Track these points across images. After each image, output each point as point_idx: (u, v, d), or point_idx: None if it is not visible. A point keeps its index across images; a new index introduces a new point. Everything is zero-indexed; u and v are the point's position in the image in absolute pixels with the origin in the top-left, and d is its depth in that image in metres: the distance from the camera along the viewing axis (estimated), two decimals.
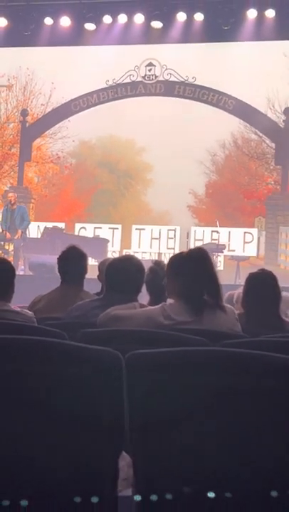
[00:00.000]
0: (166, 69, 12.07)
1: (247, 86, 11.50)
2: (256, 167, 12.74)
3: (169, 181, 12.27)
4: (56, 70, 12.15)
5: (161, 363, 1.55)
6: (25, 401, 1.53)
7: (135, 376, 1.54)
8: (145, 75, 12.16)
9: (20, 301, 3.10)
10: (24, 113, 12.88)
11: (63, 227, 11.64)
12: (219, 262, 10.73)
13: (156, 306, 2.60)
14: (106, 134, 13.27)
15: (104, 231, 12.13)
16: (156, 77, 12.10)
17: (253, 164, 12.73)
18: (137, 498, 1.50)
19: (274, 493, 1.43)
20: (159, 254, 11.55)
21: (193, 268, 2.51)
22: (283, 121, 11.66)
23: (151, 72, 12.13)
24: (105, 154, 13.66)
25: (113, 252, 11.47)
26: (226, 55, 11.58)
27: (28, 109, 13.05)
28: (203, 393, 1.50)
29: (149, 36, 11.46)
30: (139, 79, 12.20)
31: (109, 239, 11.78)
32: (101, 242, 11.00)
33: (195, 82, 11.92)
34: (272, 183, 12.61)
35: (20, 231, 9.80)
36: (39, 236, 11.48)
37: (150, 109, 12.09)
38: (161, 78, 12.10)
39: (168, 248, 11.76)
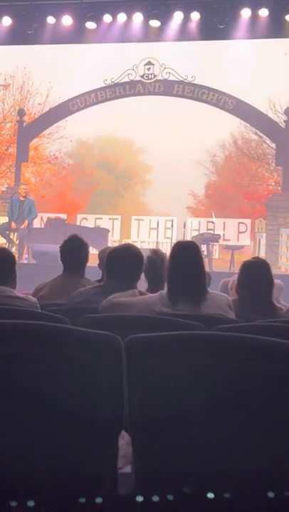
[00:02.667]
0: (165, 68, 12.15)
1: (247, 85, 11.57)
2: (256, 168, 12.83)
3: (168, 182, 12.36)
4: (54, 69, 12.25)
5: (160, 346, 1.60)
6: (24, 385, 1.59)
7: (135, 359, 1.59)
8: (144, 74, 12.25)
9: (24, 288, 3.21)
10: (21, 113, 12.93)
11: (65, 218, 11.80)
12: (215, 251, 11.16)
13: (155, 294, 2.78)
14: (104, 134, 13.36)
15: (104, 221, 12.33)
16: (154, 76, 12.20)
17: (253, 165, 12.82)
18: (139, 498, 1.54)
19: (271, 494, 1.46)
20: (157, 243, 11.73)
21: (180, 258, 2.71)
22: (284, 121, 11.73)
23: (150, 71, 12.22)
24: (103, 155, 13.73)
25: (113, 241, 11.63)
26: (225, 53, 11.68)
27: (25, 108, 13.10)
28: (200, 376, 1.56)
29: (147, 35, 11.58)
30: (138, 78, 12.28)
31: (110, 229, 11.89)
32: (102, 232, 11.18)
33: (194, 82, 11.98)
34: (273, 184, 12.70)
35: (26, 221, 10.10)
36: (42, 226, 11.67)
37: (149, 108, 12.16)
38: (160, 77, 12.18)
39: (165, 238, 11.93)
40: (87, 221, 12.50)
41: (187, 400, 1.57)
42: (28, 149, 12.88)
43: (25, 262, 10.08)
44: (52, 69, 12.26)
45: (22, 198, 10.31)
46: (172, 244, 2.95)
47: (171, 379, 1.57)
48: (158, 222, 12.31)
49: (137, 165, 13.64)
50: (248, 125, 12.23)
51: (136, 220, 12.52)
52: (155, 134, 12.32)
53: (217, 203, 12.86)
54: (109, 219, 12.47)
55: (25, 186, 10.59)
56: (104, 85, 12.38)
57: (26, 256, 10.27)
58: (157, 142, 12.40)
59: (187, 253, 2.78)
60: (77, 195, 13.64)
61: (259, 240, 11.33)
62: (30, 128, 12.87)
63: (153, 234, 12.35)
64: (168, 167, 12.35)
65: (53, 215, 11.84)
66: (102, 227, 11.96)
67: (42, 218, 11.98)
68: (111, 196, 13.69)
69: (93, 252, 4.63)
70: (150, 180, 13.46)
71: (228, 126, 12.26)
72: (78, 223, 12.26)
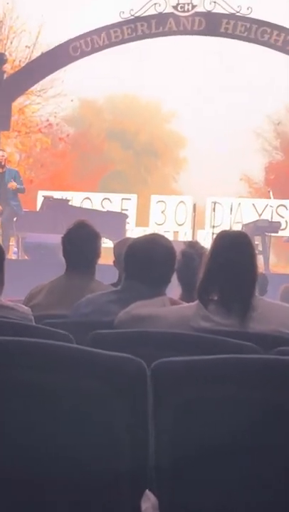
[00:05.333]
0: None
1: None
2: None
3: (210, 162, 12.31)
4: None
5: (199, 374, 1.63)
6: (17, 424, 1.61)
7: (164, 391, 1.60)
8: (178, 4, 12.15)
9: (12, 293, 3.23)
10: (1, 59, 12.34)
11: (69, 199, 11.76)
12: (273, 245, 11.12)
13: (192, 304, 2.77)
14: (119, 92, 13.35)
15: (114, 204, 12.35)
16: (193, 7, 12.11)
17: None
18: None
19: None
20: (193, 234, 11.68)
21: (225, 254, 2.72)
22: None
23: (187, 0, 12.13)
24: (118, 121, 13.69)
25: (131, 230, 11.69)
26: None
27: (7, 53, 13.04)
28: (256, 413, 1.58)
29: None
30: (169, 10, 12.21)
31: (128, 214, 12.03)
32: (118, 218, 11.24)
33: (250, 15, 11.83)
34: None
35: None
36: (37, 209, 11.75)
37: (184, 55, 12.09)
38: (200, 9, 12.04)
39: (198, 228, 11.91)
40: (90, 203, 12.47)
41: (238, 447, 1.57)
42: (11, 112, 12.63)
43: (14, 257, 10.21)
44: None
45: (1, 170, 10.28)
46: (215, 236, 2.95)
47: (215, 418, 1.58)
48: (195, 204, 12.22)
49: (167, 136, 13.58)
50: None
51: (159, 202, 12.39)
52: (192, 93, 12.24)
53: (283, 192, 12.69)
54: (122, 199, 12.45)
55: (3, 153, 10.55)
56: (121, 20, 12.35)
57: (15, 249, 10.39)
58: (195, 104, 12.31)
59: (235, 247, 2.76)
60: (79, 179, 13.52)
61: None
62: (13, 81, 12.59)
63: (181, 217, 12.21)
64: (210, 140, 12.29)
65: (48, 193, 11.76)
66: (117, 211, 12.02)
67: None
68: (129, 181, 13.64)
69: (106, 245, 4.66)
70: (185, 159, 13.43)
71: None
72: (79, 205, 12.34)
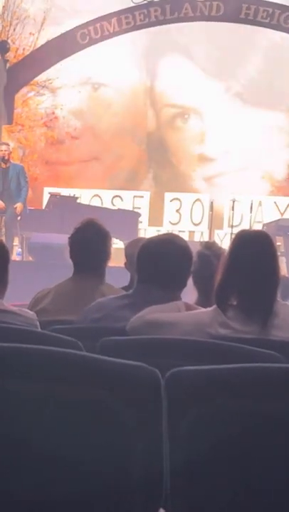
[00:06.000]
0: None
1: None
2: None
3: (230, 158, 12.25)
4: None
5: (215, 384, 1.62)
6: (21, 436, 1.61)
7: (179, 402, 1.60)
8: None
9: (15, 298, 3.24)
10: (3, 47, 12.36)
11: (77, 197, 11.74)
12: None
13: (209, 309, 2.77)
14: (131, 82, 13.33)
15: (126, 202, 12.32)
16: None
17: None
18: None
19: None
20: (210, 234, 11.63)
21: (244, 256, 2.72)
22: None
23: None
24: (130, 114, 13.68)
25: (144, 230, 11.67)
26: None
27: (10, 40, 13.03)
28: (274, 428, 1.58)
29: None
30: None
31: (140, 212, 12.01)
32: (130, 216, 11.21)
33: (273, 0, 11.70)
34: None
35: (20, 204, 10.05)
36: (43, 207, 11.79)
37: (201, 42, 12.05)
38: None
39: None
40: (100, 200, 12.48)
41: (259, 463, 1.57)
42: (13, 104, 12.55)
43: (18, 258, 10.18)
44: None
45: (3, 166, 10.23)
46: (233, 236, 2.96)
47: (234, 432, 1.58)
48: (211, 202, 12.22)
49: (182, 131, 13.54)
50: None
51: (173, 200, 12.41)
52: (211, 83, 12.20)
53: None
54: (134, 197, 12.44)
55: (7, 147, 10.49)
56: (133, 5, 12.33)
57: (19, 250, 10.39)
58: (214, 96, 12.27)
59: (255, 248, 2.76)
60: (87, 177, 13.48)
61: None
62: (16, 71, 12.53)
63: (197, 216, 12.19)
64: (230, 134, 12.24)
65: (53, 190, 11.74)
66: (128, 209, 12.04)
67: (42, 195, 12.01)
68: (140, 180, 13.60)
69: (117, 245, 4.68)
70: (202, 156, 13.38)
71: None
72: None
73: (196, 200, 12.46)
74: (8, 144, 10.79)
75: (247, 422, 1.59)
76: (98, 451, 1.59)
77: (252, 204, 11.52)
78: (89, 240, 3.70)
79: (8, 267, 2.98)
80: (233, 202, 11.59)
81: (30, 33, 13.02)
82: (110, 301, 3.16)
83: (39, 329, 2.83)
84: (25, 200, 10.30)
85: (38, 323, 2.93)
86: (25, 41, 13.12)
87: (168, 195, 12.60)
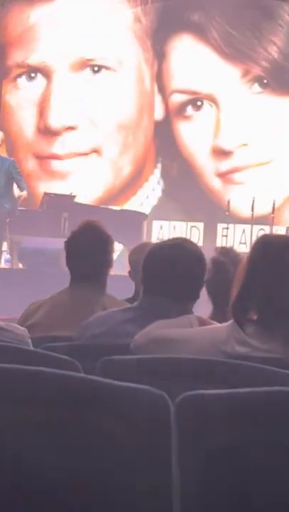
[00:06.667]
0: None
1: None
2: None
3: (252, 153, 12.27)
4: None
5: (233, 410, 1.61)
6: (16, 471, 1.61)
7: (191, 431, 1.59)
8: None
9: (4, 311, 3.24)
10: None
11: (74, 195, 11.73)
12: None
13: (225, 324, 2.75)
14: (136, 64, 13.34)
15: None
16: None
17: None
18: None
19: None
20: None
21: (265, 263, 2.72)
22: None
23: None
24: (134, 100, 13.69)
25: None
26: None
27: None
28: None
29: None
30: None
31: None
32: (135, 218, 11.19)
33: None
34: None
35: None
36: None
37: (216, 18, 12.10)
38: None
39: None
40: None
41: (284, 501, 1.57)
42: (1, 90, 12.77)
43: (6, 265, 10.21)
44: None
45: None
46: (254, 240, 2.95)
47: (256, 465, 1.58)
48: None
49: (194, 120, 13.55)
50: None
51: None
52: (226, 66, 12.26)
53: None
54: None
55: None
56: None
57: (7, 256, 10.36)
58: (230, 80, 12.33)
59: (278, 256, 2.76)
60: (87, 172, 13.48)
61: None
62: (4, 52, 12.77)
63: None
64: (249, 124, 12.30)
65: (47, 188, 11.80)
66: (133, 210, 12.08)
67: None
68: (147, 173, 13.56)
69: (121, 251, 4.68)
70: (217, 148, 13.38)
71: None
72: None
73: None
74: None
75: (271, 452, 1.58)
76: (97, 482, 1.60)
77: (274, 204, 11.53)
78: (88, 245, 3.70)
79: None
80: (253, 201, 11.57)
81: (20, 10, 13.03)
82: (112, 314, 3.17)
83: (31, 347, 2.82)
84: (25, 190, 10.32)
85: (29, 340, 2.93)
86: (15, 19, 13.08)
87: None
